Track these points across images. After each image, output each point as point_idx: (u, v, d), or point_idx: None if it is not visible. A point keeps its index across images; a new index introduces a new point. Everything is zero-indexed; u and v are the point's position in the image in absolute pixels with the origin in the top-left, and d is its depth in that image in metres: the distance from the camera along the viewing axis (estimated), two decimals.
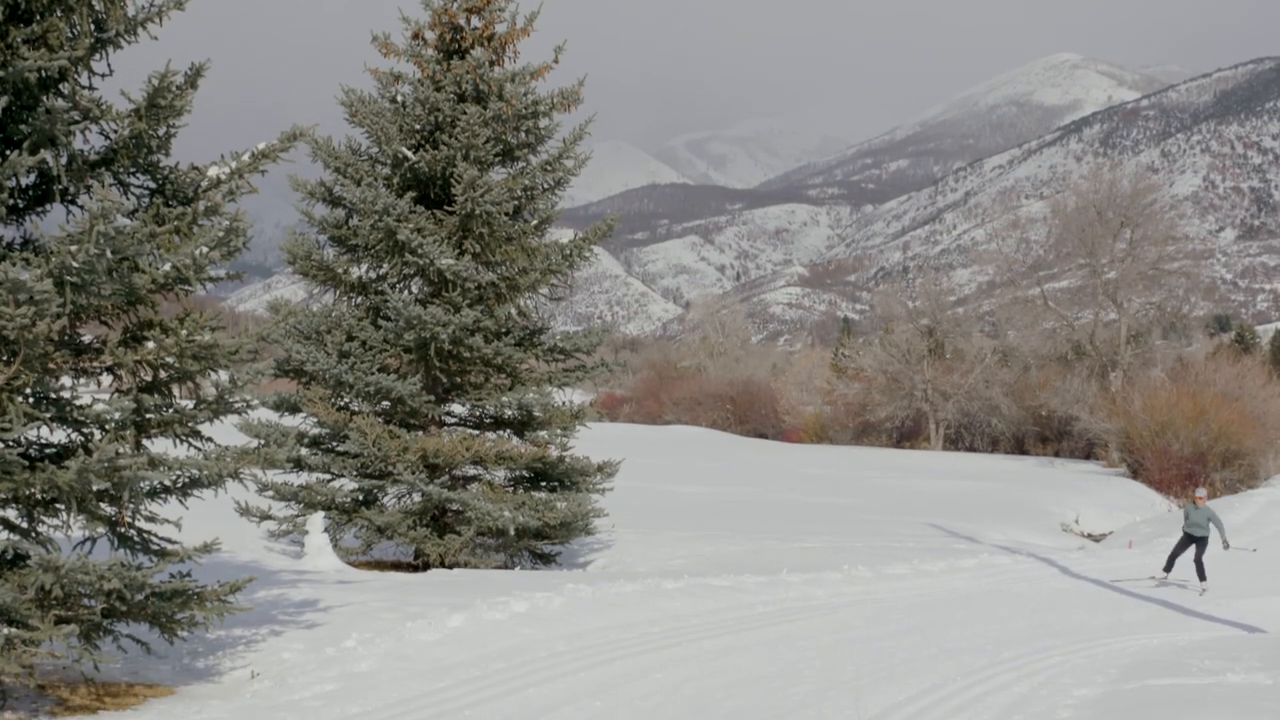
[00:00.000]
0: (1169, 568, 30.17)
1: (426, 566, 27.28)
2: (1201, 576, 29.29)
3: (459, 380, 28.01)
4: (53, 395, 13.34)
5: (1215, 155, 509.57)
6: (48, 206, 14.02)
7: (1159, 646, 20.11)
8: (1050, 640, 21.19)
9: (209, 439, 14.85)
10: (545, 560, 29.46)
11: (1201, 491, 30.89)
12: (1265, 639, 20.79)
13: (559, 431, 28.50)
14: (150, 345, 13.59)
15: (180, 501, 14.67)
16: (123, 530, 14.10)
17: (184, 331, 13.66)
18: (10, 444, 12.94)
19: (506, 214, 27.41)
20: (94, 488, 12.94)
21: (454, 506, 26.95)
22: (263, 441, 26.97)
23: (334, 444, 27.79)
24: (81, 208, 13.52)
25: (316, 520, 26.02)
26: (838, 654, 18.88)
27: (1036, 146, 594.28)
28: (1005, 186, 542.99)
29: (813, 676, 17.00)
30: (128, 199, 14.15)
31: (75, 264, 12.16)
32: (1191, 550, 29.77)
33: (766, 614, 22.93)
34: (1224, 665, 16.34)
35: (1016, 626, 22.78)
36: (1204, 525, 29.69)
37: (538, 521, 26.67)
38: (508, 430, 28.84)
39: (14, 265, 11.83)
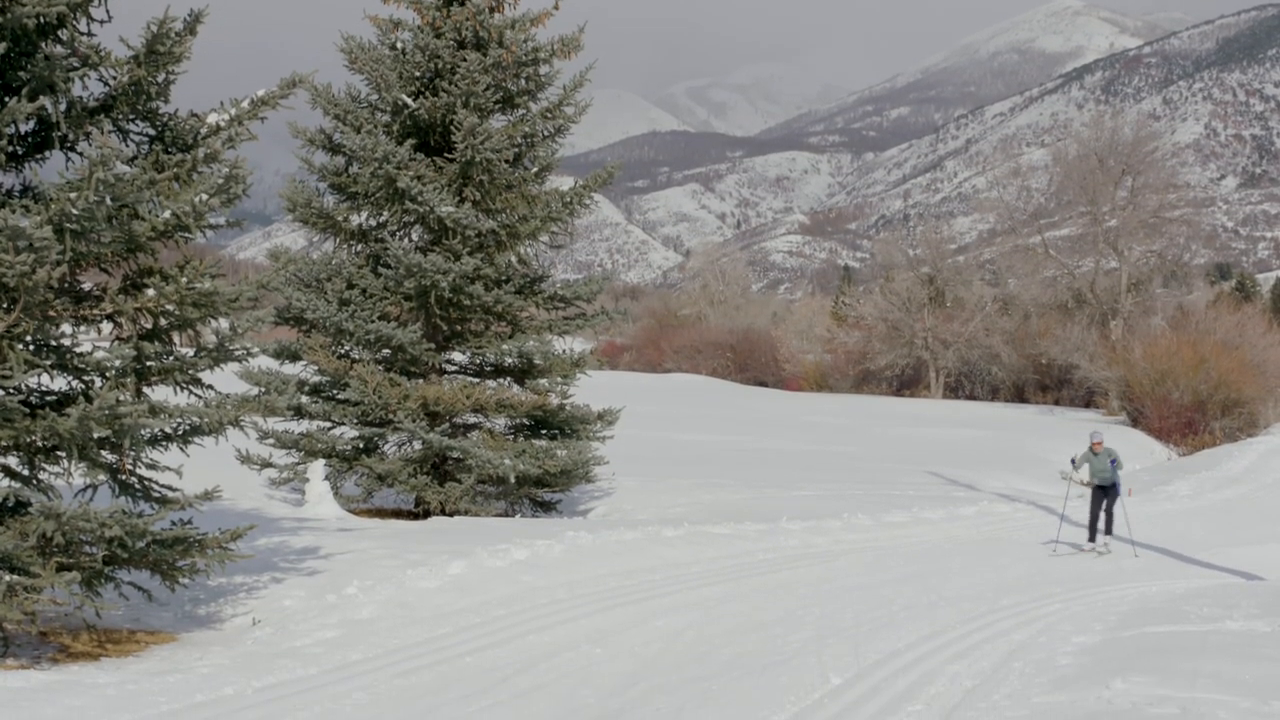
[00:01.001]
0: (1093, 537, 27.08)
1: (427, 514, 27.33)
2: (1108, 530, 27.28)
3: (459, 328, 28.00)
4: (53, 343, 13.35)
5: (1217, 103, 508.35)
6: (47, 153, 13.99)
7: (1157, 594, 20.16)
8: (1049, 588, 21.25)
9: (209, 386, 14.86)
10: (545, 508, 29.52)
11: (1098, 435, 27.78)
12: (1263, 586, 20.85)
13: (559, 379, 28.51)
14: (150, 293, 13.58)
15: (181, 449, 14.69)
16: (124, 478, 14.13)
17: (184, 279, 13.65)
18: (11, 391, 12.95)
19: (507, 161, 27.36)
20: (95, 435, 12.96)
21: (454, 454, 26.98)
22: (263, 389, 26.99)
23: (334, 392, 27.80)
24: (81, 155, 13.51)
25: (317, 468, 26.06)
26: (837, 601, 18.94)
27: (1038, 94, 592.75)
28: (1006, 134, 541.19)
29: (812, 623, 17.06)
30: (127, 146, 14.12)
31: (75, 211, 12.15)
32: (1109, 506, 27.35)
33: (766, 561, 22.99)
34: (1222, 613, 16.39)
35: (1016, 574, 22.84)
36: (1109, 470, 27.07)
37: (538, 469, 26.71)
38: (508, 378, 28.84)
39: (14, 212, 11.81)
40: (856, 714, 12.00)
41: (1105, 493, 27.18)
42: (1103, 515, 27.27)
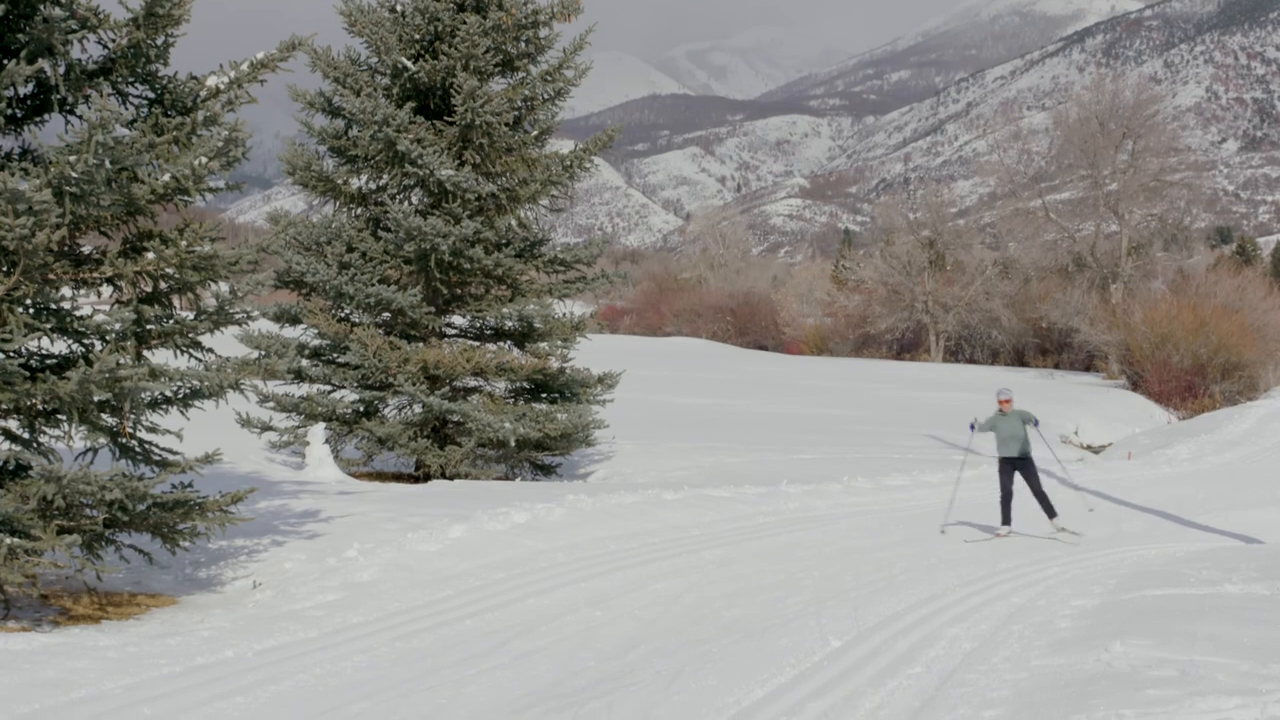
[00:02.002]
0: (1007, 519, 22.69)
1: (427, 478, 27.38)
2: (1050, 511, 22.71)
3: (459, 292, 28.01)
4: (53, 306, 13.35)
5: (1218, 66, 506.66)
6: (46, 116, 13.98)
7: (1156, 557, 20.18)
8: (1048, 551, 21.26)
9: (209, 350, 14.87)
10: (545, 471, 29.56)
11: (1006, 393, 23.05)
12: (1262, 550, 20.85)
13: (559, 343, 28.54)
14: (150, 256, 13.57)
15: (181, 412, 14.72)
16: (124, 441, 14.15)
17: (184, 242, 13.64)
18: (11, 354, 12.96)
19: (506, 125, 27.32)
20: (95, 398, 12.97)
21: (454, 418, 27.02)
22: (263, 353, 27.01)
23: (334, 355, 27.84)
24: (80, 117, 13.47)
25: (317, 431, 26.09)
26: (837, 565, 18.96)
27: (1039, 57, 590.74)
28: (1007, 97, 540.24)
29: (812, 587, 17.08)
30: (126, 109, 14.10)
31: (74, 174, 12.13)
32: (1020, 483, 22.80)
33: (766, 525, 23.02)
34: (1221, 576, 16.40)
35: (1014, 537, 22.85)
36: (1021, 437, 22.52)
37: (538, 433, 26.75)
38: (508, 342, 28.87)
39: (13, 175, 11.79)
40: (856, 676, 12.03)
41: (1015, 466, 22.64)
42: (1030, 498, 22.95)
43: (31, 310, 13.12)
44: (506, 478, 28.55)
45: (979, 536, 22.85)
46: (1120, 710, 9.53)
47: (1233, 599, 14.67)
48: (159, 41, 13.90)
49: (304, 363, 27.83)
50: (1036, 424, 23.08)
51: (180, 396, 14.43)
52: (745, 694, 11.41)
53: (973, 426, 24.31)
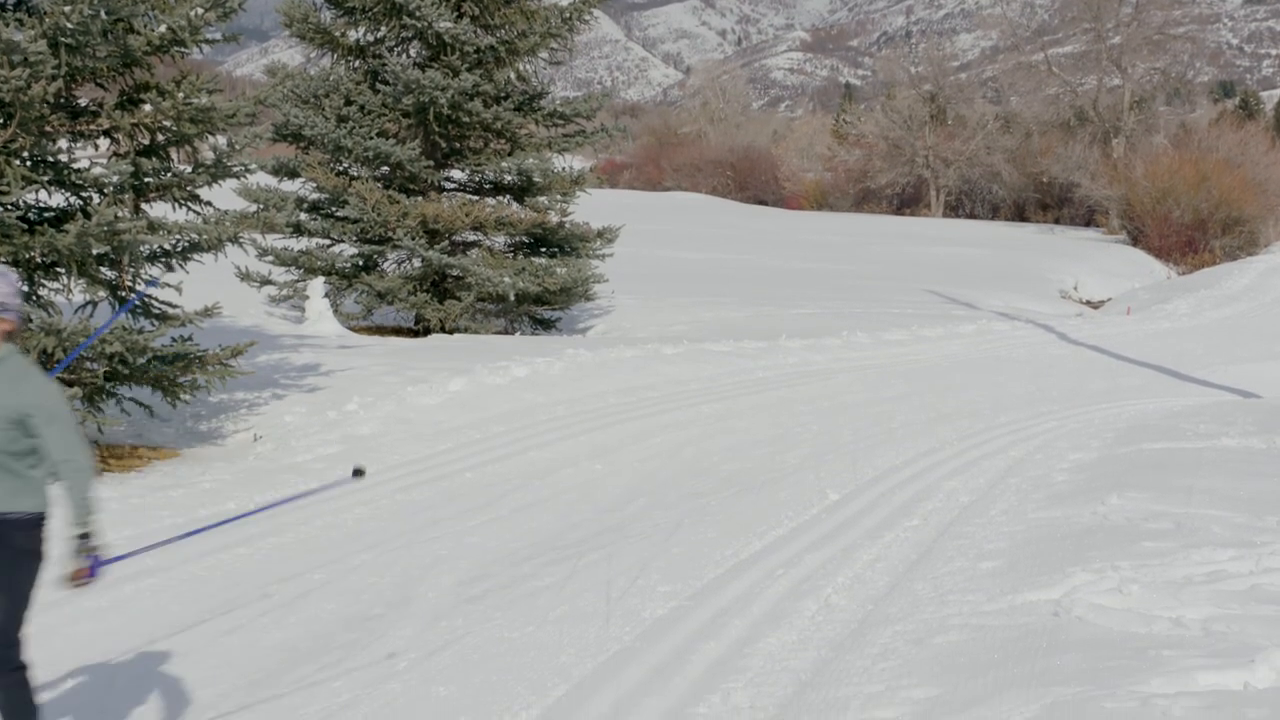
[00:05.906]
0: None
1: (427, 332, 27.39)
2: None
3: (458, 145, 27.85)
4: (50, 159, 13.29)
5: None
6: None
7: (1154, 411, 20.26)
8: (1046, 405, 21.34)
9: (208, 203, 14.83)
10: (545, 326, 29.56)
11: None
12: (1260, 404, 20.93)
13: (559, 197, 28.42)
14: (147, 108, 13.49)
15: (180, 266, 14.70)
16: (123, 294, 14.14)
17: (181, 94, 13.55)
18: (9, 207, 12.91)
19: None
20: (94, 251, 12.97)
21: (454, 272, 26.96)
22: (262, 206, 26.94)
23: (333, 209, 27.72)
24: None
25: (317, 285, 26.06)
26: (835, 419, 19.03)
27: None
28: None
29: (810, 441, 17.16)
30: None
31: (69, 25, 12.02)
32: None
33: (765, 379, 23.08)
34: (1218, 429, 16.48)
35: (1013, 392, 22.92)
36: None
37: (537, 287, 26.71)
38: (507, 196, 28.74)
39: (8, 26, 11.68)
40: (854, 529, 12.11)
41: None
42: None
43: (29, 163, 13.06)
44: (506, 332, 28.57)
45: None
46: (1116, 562, 9.62)
47: (1230, 453, 14.75)
48: None
49: (302, 216, 27.74)
50: (47, 426, 6.57)
51: (179, 250, 14.42)
52: (744, 546, 11.50)
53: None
